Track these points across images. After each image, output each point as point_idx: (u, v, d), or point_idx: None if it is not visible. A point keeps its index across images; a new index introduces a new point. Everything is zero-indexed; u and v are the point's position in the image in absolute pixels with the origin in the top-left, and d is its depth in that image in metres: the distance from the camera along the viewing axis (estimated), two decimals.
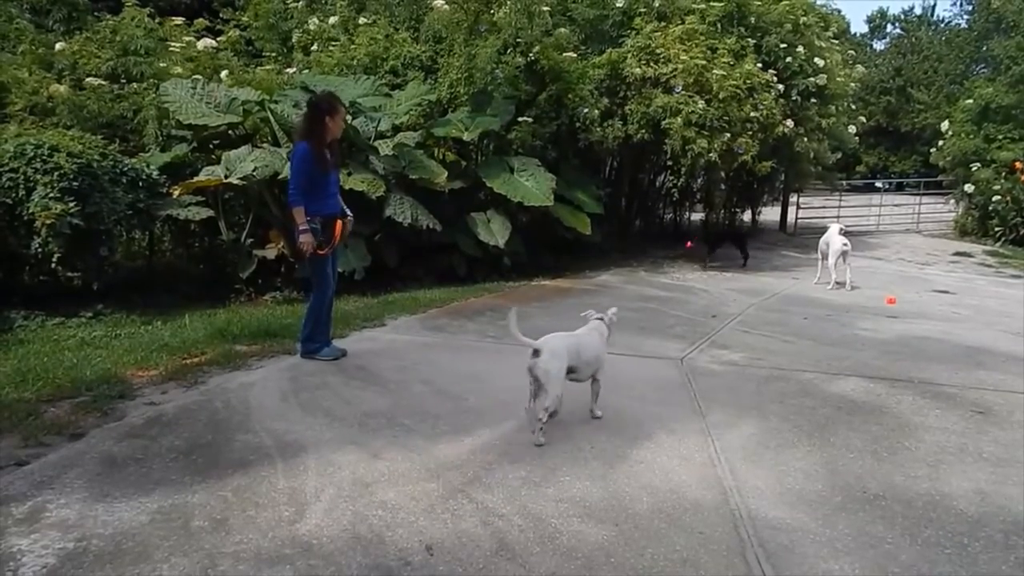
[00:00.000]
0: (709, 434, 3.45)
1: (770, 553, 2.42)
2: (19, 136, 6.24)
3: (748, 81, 8.81)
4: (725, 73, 8.61)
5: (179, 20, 9.65)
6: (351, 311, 5.86)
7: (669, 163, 9.24)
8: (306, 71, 8.72)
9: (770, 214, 15.67)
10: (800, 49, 10.14)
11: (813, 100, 10.39)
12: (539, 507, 2.66)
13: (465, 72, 8.16)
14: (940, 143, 15.81)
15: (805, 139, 10.28)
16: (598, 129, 8.77)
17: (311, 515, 2.56)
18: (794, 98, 10.07)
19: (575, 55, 8.96)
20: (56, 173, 5.90)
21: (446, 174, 7.49)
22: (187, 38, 9.04)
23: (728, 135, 8.55)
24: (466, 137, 7.86)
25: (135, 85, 7.98)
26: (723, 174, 10.20)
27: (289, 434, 3.28)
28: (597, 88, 8.94)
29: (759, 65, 9.24)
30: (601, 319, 3.72)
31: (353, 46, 8.98)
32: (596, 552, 2.38)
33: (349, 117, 7.20)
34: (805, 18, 10.40)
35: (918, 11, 41.31)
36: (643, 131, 8.81)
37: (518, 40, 8.50)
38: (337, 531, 2.46)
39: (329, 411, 3.60)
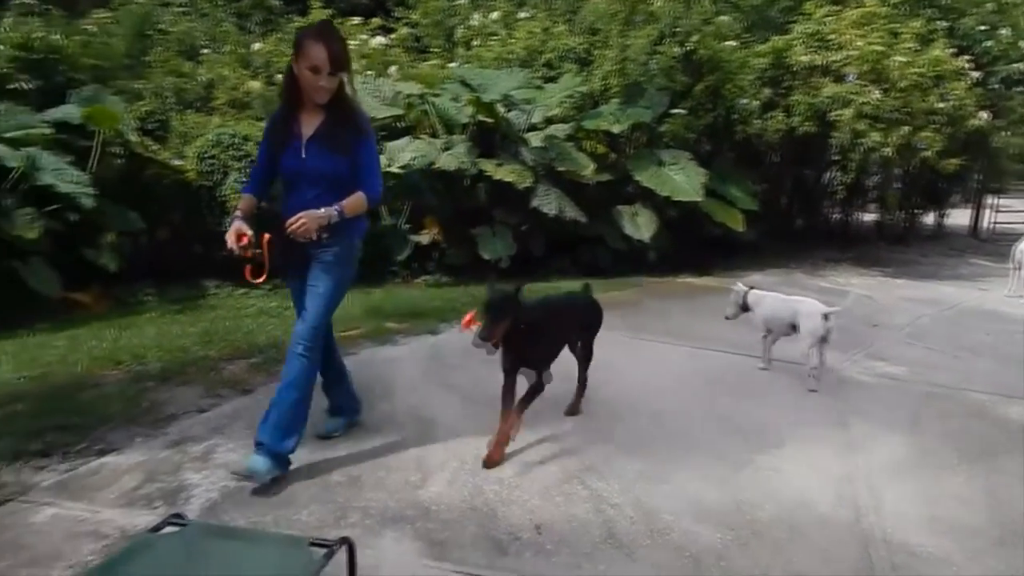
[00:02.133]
0: (850, 449, 3.22)
1: None
2: (220, 127, 7.09)
3: (935, 68, 7.97)
4: (908, 60, 7.84)
5: (357, 20, 10.43)
6: None
7: (836, 158, 8.60)
8: (466, 65, 9.07)
9: (961, 217, 14.06)
10: (1004, 31, 9.00)
11: (1018, 88, 9.20)
12: (653, 502, 2.65)
13: (618, 64, 8.10)
14: None
15: (1005, 133, 9.14)
16: (757, 121, 8.35)
17: (434, 483, 2.73)
18: (994, 87, 8.98)
19: (736, 44, 8.58)
20: (246, 160, 6.65)
21: (593, 166, 7.51)
22: (362, 36, 9.74)
23: (907, 128, 7.79)
24: (616, 129, 7.82)
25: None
26: (899, 171, 9.31)
27: (423, 408, 3.50)
28: (759, 78, 8.52)
29: (951, 50, 8.33)
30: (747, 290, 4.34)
31: (512, 40, 9.23)
32: (706, 553, 2.33)
33: (503, 109, 7.44)
34: None
35: None
36: (808, 123, 8.26)
37: (675, 30, 8.30)
38: (455, 500, 2.61)
39: (462, 389, 3.78)
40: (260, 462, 2.63)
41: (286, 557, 2.03)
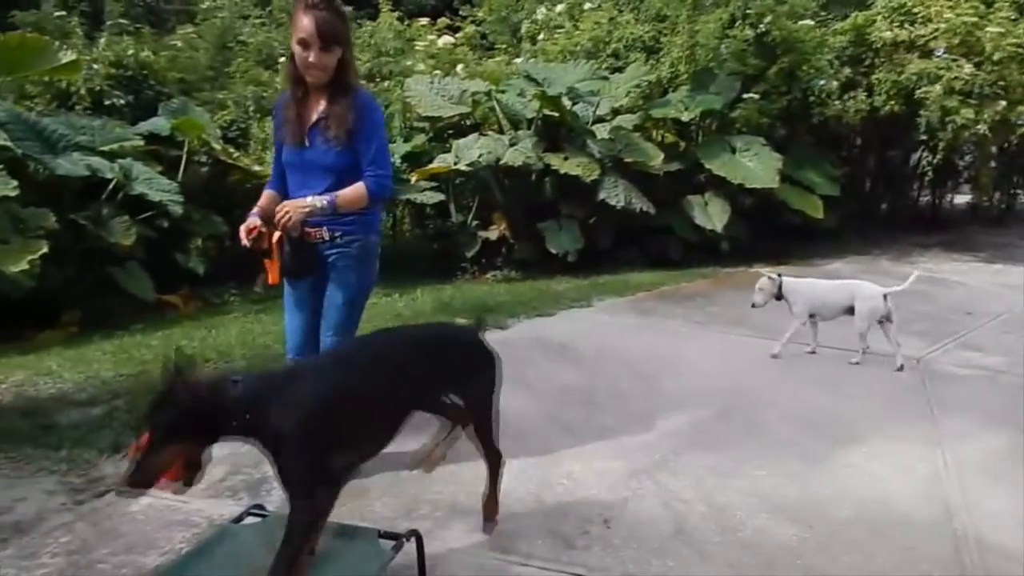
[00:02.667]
0: (939, 444, 3.06)
1: None
2: None
3: None
4: (1003, 30, 7.32)
5: (424, 20, 10.60)
6: (561, 291, 6.06)
7: (924, 138, 8.13)
8: (531, 60, 9.07)
9: None
10: None
11: None
12: (725, 498, 2.59)
13: (687, 50, 7.91)
14: None
15: None
16: (836, 103, 7.98)
17: (501, 477, 2.76)
18: None
19: (812, 23, 8.22)
20: None
21: (662, 156, 7.37)
22: (430, 37, 9.89)
23: (1003, 103, 7.28)
24: (685, 117, 7.64)
25: (386, 83, 8.96)
26: (994, 150, 8.71)
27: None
28: (838, 57, 8.13)
29: None
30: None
31: (577, 32, 9.16)
32: (781, 551, 2.26)
33: (568, 102, 7.41)
34: None
35: None
36: (892, 102, 7.84)
37: (747, 11, 8.03)
38: (523, 494, 2.63)
39: (529, 384, 3.80)
40: None
41: (357, 548, 2.11)
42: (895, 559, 2.23)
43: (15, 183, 5.04)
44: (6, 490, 2.63)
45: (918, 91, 7.56)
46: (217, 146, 6.92)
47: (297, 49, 2.32)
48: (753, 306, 4.23)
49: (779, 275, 4.32)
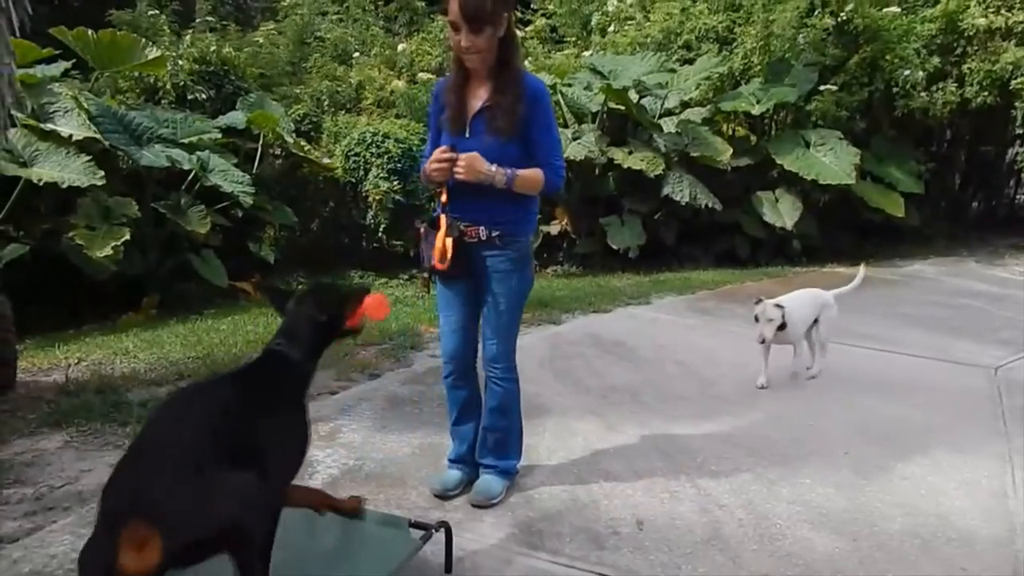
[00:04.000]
0: (1010, 460, 2.86)
1: None
2: (366, 126, 7.55)
3: None
4: None
5: None
6: (620, 287, 5.98)
7: (1021, 132, 7.57)
8: (600, 52, 8.96)
9: None
10: None
11: None
12: (766, 505, 2.50)
13: (762, 40, 7.63)
14: None
15: None
16: (923, 94, 7.53)
17: (539, 472, 2.76)
18: None
19: (898, 10, 7.77)
20: (386, 156, 7.04)
21: (730, 151, 7.16)
22: None
23: None
24: (756, 111, 7.38)
25: None
26: None
27: (538, 397, 3.53)
28: (925, 46, 7.67)
29: None
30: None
31: (648, 23, 8.98)
32: (821, 563, 2.17)
33: (635, 95, 7.28)
34: None
35: None
36: (986, 93, 7.35)
37: None
38: (558, 490, 2.61)
39: (578, 380, 3.78)
40: (494, 482, 2.53)
41: (388, 536, 2.15)
42: None
43: (102, 173, 5.39)
44: (75, 462, 2.81)
45: (1014, 81, 7.05)
46: (290, 139, 7.17)
47: (450, 32, 2.23)
48: (762, 342, 3.57)
49: (774, 300, 3.64)
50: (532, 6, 12.34)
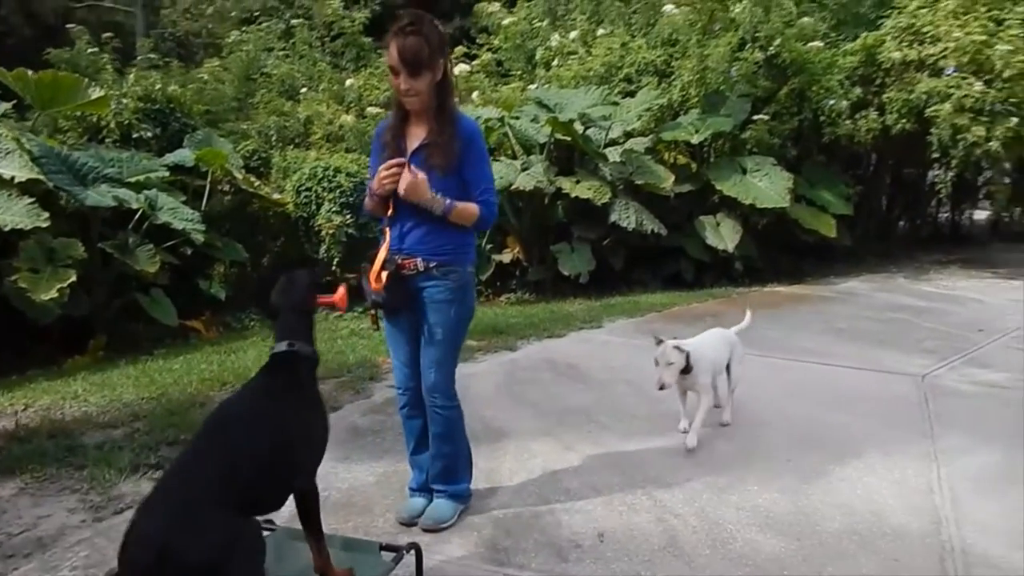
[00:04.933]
0: (935, 459, 3.09)
1: None
2: (315, 160, 7.60)
3: None
4: (1013, 48, 7.33)
5: None
6: (572, 312, 6.16)
7: (937, 155, 8.13)
8: (545, 85, 9.25)
9: None
10: None
11: None
12: (718, 512, 2.65)
13: (697, 73, 8.03)
14: None
15: None
16: (847, 122, 8.03)
17: (501, 493, 2.85)
18: None
19: (822, 44, 8.30)
20: (338, 191, 7.10)
21: (672, 178, 7.46)
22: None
23: (1015, 120, 7.27)
24: (695, 140, 7.74)
25: None
26: (1008, 166, 8.67)
27: (496, 421, 3.63)
28: (848, 78, 8.19)
29: None
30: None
31: (590, 58, 9.33)
32: (769, 562, 2.32)
33: (580, 127, 7.55)
34: None
35: None
36: (904, 121, 7.87)
37: (756, 35, 8.14)
38: (521, 509, 2.71)
39: (534, 403, 3.89)
40: (445, 507, 2.61)
41: (360, 560, 2.21)
42: (881, 569, 2.27)
43: (47, 215, 5.30)
44: (31, 508, 2.78)
45: (928, 110, 7.58)
46: (239, 175, 7.17)
47: (391, 76, 2.36)
48: (661, 388, 3.13)
49: (676, 341, 3.26)
50: (478, 41, 12.66)
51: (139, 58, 10.52)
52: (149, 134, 7.48)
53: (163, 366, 5.08)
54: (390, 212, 2.47)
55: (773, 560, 2.34)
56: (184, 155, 6.94)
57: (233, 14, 16.76)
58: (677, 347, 3.17)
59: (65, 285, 5.20)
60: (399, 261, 2.45)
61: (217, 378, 4.50)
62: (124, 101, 7.51)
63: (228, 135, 8.23)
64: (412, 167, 2.37)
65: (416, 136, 2.46)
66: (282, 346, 2.04)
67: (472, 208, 2.44)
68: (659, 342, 3.23)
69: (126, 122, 7.38)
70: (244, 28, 13.05)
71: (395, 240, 2.48)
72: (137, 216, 6.01)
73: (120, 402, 4.05)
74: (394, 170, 2.38)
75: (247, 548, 1.72)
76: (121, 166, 6.36)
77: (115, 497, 2.85)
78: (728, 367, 3.53)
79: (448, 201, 2.38)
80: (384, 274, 2.42)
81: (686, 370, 3.18)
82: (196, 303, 6.73)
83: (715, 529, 2.54)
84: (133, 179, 6.24)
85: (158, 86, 7.84)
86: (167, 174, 6.59)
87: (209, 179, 6.97)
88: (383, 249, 2.48)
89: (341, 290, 2.24)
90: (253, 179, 7.52)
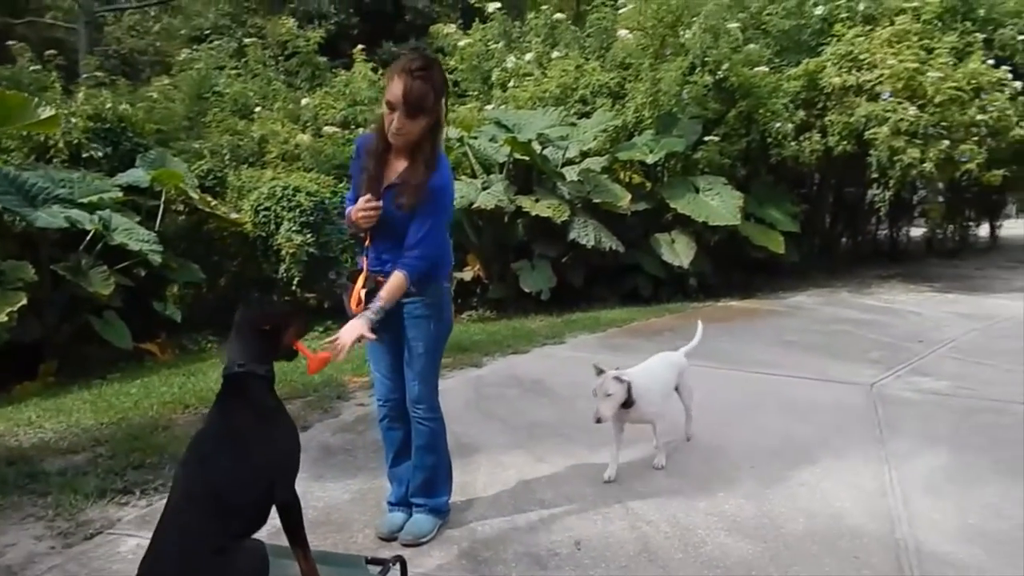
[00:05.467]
0: (887, 463, 3.27)
1: None
2: (273, 180, 7.55)
3: (973, 81, 7.94)
4: (943, 75, 7.83)
5: None
6: (535, 328, 6.25)
7: (876, 176, 8.57)
8: (502, 106, 9.40)
9: (1020, 228, 13.74)
10: None
11: None
12: (688, 518, 2.76)
13: (650, 96, 8.30)
14: None
15: None
16: (792, 144, 8.41)
17: (478, 506, 2.90)
18: None
19: (767, 69, 8.69)
20: (298, 210, 7.07)
21: (629, 197, 7.67)
22: None
23: (947, 142, 7.75)
24: (650, 160, 7.98)
25: (361, 130, 9.22)
26: (941, 185, 9.20)
27: (466, 436, 3.68)
28: (792, 101, 8.59)
29: (989, 62, 8.28)
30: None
31: (546, 79, 9.53)
32: (738, 565, 2.43)
33: (538, 147, 7.71)
34: None
35: None
36: (845, 143, 8.29)
37: (706, 59, 8.47)
38: (499, 521, 2.77)
39: (503, 418, 3.96)
40: (424, 521, 2.64)
41: (345, 574, 2.23)
42: (841, 567, 2.41)
43: None
44: None
45: (867, 132, 8.01)
46: (195, 195, 7.07)
47: (385, 108, 2.34)
48: (598, 421, 2.93)
49: (616, 371, 3.02)
50: None
51: (84, 76, 10.29)
52: (100, 154, 7.30)
53: (119, 390, 4.96)
54: (368, 238, 2.52)
55: (742, 562, 2.45)
56: (137, 175, 6.81)
57: (182, 32, 16.56)
58: (617, 378, 2.96)
59: (15, 309, 5.04)
60: (378, 280, 2.47)
61: (179, 400, 4.42)
62: (73, 120, 7.33)
63: (180, 154, 8.10)
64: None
65: (394, 169, 2.46)
66: (232, 368, 2.06)
67: (398, 282, 2.40)
68: (599, 372, 3.01)
69: (75, 141, 7.20)
70: (194, 47, 12.92)
71: (373, 261, 2.53)
72: (89, 237, 5.87)
73: (78, 427, 3.95)
74: (372, 207, 2.41)
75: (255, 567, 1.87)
76: (72, 186, 6.21)
77: (83, 523, 2.80)
78: (678, 389, 3.44)
79: (375, 305, 2.37)
80: (364, 292, 2.45)
81: (627, 403, 2.98)
82: (151, 325, 6.58)
83: (686, 534, 2.64)
84: (85, 200, 6.10)
85: (108, 105, 7.68)
86: (120, 194, 6.46)
87: (163, 199, 6.86)
88: (364, 269, 2.52)
89: (323, 355, 2.35)
90: (209, 199, 7.41)
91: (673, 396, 3.40)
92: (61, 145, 7.12)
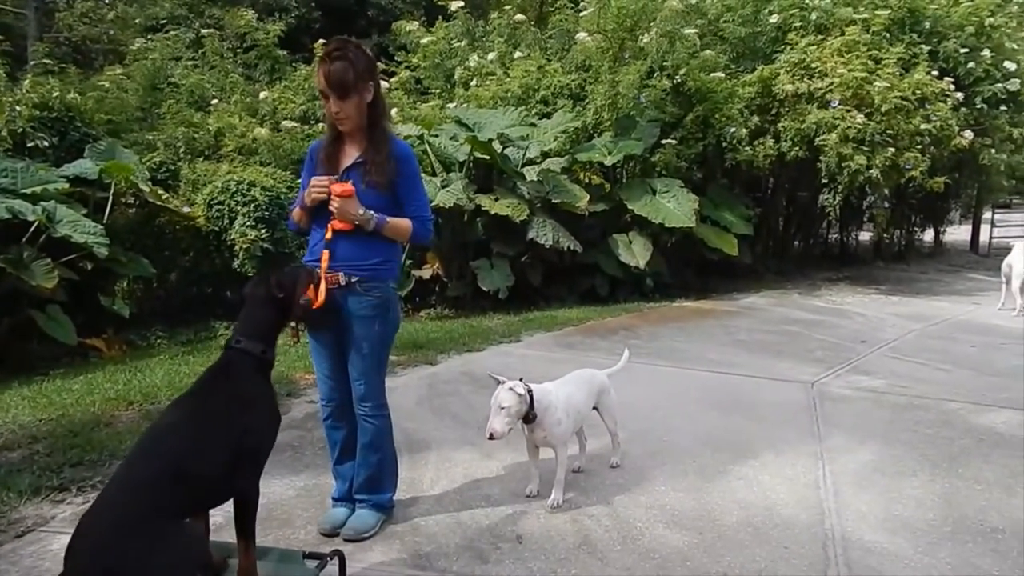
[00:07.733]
0: (821, 457, 3.39)
1: (854, 573, 2.39)
2: (228, 174, 7.42)
3: (918, 91, 8.23)
4: (889, 85, 8.09)
5: None
6: (491, 327, 6.28)
7: (826, 181, 8.81)
8: (464, 104, 9.40)
9: (963, 233, 14.25)
10: (986, 53, 9.26)
11: (1003, 108, 9.42)
12: (628, 512, 2.82)
13: (609, 98, 8.40)
14: None
15: (993, 151, 9.34)
16: (747, 148, 8.60)
17: (424, 502, 2.92)
18: (979, 106, 9.21)
19: (723, 75, 8.87)
20: (252, 205, 6.97)
21: (588, 198, 7.75)
22: None
23: (892, 150, 8.01)
24: (608, 161, 8.08)
25: (321, 125, 9.11)
26: (887, 191, 9.50)
27: (418, 433, 3.69)
28: (747, 107, 8.78)
29: (934, 73, 8.59)
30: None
31: (508, 79, 9.57)
32: (673, 555, 2.49)
33: (499, 146, 7.74)
34: (992, 19, 9.48)
35: None
36: (796, 148, 8.50)
37: (664, 64, 8.60)
38: (443, 517, 2.79)
39: (456, 415, 3.98)
40: (367, 516, 2.64)
41: (283, 569, 2.22)
42: (772, 557, 2.49)
43: None
44: None
45: (817, 139, 8.23)
46: (146, 188, 6.92)
47: (322, 99, 2.48)
48: (491, 438, 2.67)
49: (522, 381, 2.74)
50: (396, 58, 12.70)
51: (32, 63, 9.97)
52: (45, 143, 7.09)
53: (61, 386, 4.84)
54: (329, 233, 2.49)
55: (677, 552, 2.52)
56: (85, 166, 6.63)
57: (137, 21, 16.13)
58: (512, 389, 2.65)
59: None
60: (335, 278, 2.48)
61: (123, 397, 4.33)
62: (18, 108, 7.11)
63: (132, 146, 7.91)
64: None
65: (350, 155, 2.54)
66: (230, 342, 2.15)
67: (405, 224, 2.55)
68: (498, 383, 2.73)
69: (20, 130, 6.99)
70: (149, 36, 12.60)
71: (319, 254, 2.51)
72: (33, 229, 5.71)
73: (15, 424, 3.84)
74: (325, 181, 2.47)
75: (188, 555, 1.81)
76: (15, 177, 6.03)
77: (15, 521, 2.73)
78: (599, 409, 3.12)
79: (379, 216, 2.47)
80: (323, 287, 2.41)
81: (528, 418, 2.72)
82: (97, 320, 6.42)
83: (626, 527, 2.69)
84: (28, 190, 5.92)
85: (55, 93, 7.46)
86: (66, 186, 6.27)
87: (112, 191, 6.69)
88: (323, 263, 2.49)
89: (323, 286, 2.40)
90: (161, 192, 7.26)
91: (584, 416, 3.04)
92: (4, 134, 6.90)
